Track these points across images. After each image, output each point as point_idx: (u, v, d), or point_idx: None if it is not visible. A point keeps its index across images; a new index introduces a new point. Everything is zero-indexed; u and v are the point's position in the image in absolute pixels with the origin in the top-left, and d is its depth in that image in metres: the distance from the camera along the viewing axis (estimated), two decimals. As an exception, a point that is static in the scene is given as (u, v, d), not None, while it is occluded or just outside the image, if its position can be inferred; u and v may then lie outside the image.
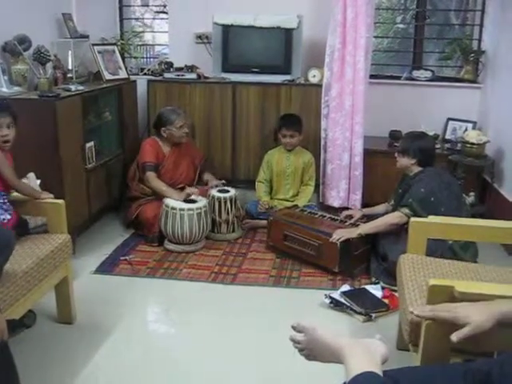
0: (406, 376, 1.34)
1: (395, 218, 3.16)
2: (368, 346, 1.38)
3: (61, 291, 2.71)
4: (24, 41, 3.54)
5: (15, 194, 2.74)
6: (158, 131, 4.02)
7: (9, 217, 2.48)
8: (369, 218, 3.54)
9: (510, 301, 1.52)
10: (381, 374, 1.25)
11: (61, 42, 4.08)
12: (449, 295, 1.69)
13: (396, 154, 3.34)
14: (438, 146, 4.20)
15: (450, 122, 4.58)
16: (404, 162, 3.28)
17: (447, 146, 4.40)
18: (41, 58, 3.63)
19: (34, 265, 2.35)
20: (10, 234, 2.22)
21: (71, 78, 4.07)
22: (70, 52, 4.08)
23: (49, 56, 3.70)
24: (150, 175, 3.90)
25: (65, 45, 4.08)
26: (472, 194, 4.06)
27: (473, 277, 2.31)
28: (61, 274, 2.63)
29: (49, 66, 3.79)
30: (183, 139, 4.02)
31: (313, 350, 1.45)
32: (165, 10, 5.22)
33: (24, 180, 3.03)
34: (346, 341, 1.38)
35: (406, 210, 3.09)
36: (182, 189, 3.95)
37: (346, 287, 3.11)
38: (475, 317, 1.47)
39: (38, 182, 3.11)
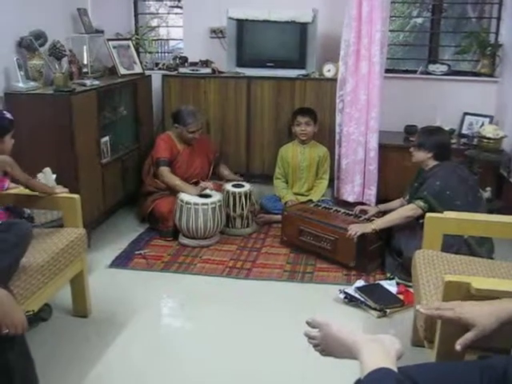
0: (421, 373, 1.33)
1: (409, 210, 3.13)
2: (383, 341, 1.37)
3: (76, 285, 2.73)
4: (40, 36, 3.56)
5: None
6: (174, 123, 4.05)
7: None
8: (384, 213, 3.52)
9: None
10: (396, 370, 1.24)
11: (76, 38, 4.10)
12: (465, 292, 1.67)
13: (412, 149, 3.31)
14: (454, 140, 4.16)
15: (467, 117, 4.54)
16: (420, 156, 3.25)
17: (463, 140, 4.36)
18: (56, 53, 3.64)
19: (50, 258, 2.36)
20: (27, 226, 2.24)
21: (86, 73, 4.09)
22: (85, 47, 4.09)
23: (64, 51, 3.72)
24: (164, 170, 3.92)
25: (80, 40, 4.09)
26: (488, 189, 4.02)
27: (489, 273, 2.29)
28: (76, 267, 2.65)
29: (64, 61, 3.81)
30: (191, 141, 4.02)
31: (327, 346, 1.45)
32: (179, 5, 5.22)
33: (40, 174, 3.06)
34: (361, 337, 1.37)
35: (421, 203, 3.07)
36: (196, 183, 3.96)
37: (360, 282, 3.10)
38: (481, 319, 1.44)
39: (54, 176, 3.14)
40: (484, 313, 1.46)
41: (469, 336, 1.43)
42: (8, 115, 2.58)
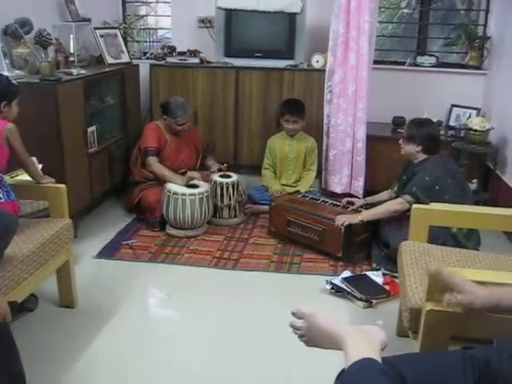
0: (405, 363, 1.34)
1: (397, 204, 3.14)
2: (367, 332, 1.39)
3: (62, 275, 2.72)
4: (25, 24, 3.51)
5: (18, 177, 2.75)
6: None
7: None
8: (371, 205, 3.53)
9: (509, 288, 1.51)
10: (380, 360, 1.25)
11: (62, 26, 4.05)
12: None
13: (401, 141, 3.31)
14: (441, 132, 4.17)
15: (454, 109, 4.56)
16: (409, 149, 3.24)
17: (451, 132, 4.38)
18: (42, 41, 3.61)
19: (36, 249, 2.35)
20: (11, 218, 2.22)
21: (73, 61, 4.05)
22: (71, 36, 4.05)
23: (50, 39, 3.68)
24: (152, 160, 3.90)
25: (66, 28, 4.05)
26: (475, 181, 4.05)
27: (474, 264, 2.31)
28: (62, 258, 2.64)
29: (50, 49, 3.78)
30: (180, 133, 4.00)
31: (312, 337, 1.45)
32: (168, -6, 5.17)
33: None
34: (346, 327, 1.38)
35: (409, 198, 3.07)
36: (184, 173, 3.94)
37: (347, 273, 3.12)
38: (474, 288, 1.46)
39: (40, 166, 3.11)
40: (480, 286, 1.48)
41: (459, 296, 1.45)
42: (14, 81, 2.63)
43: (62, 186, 2.67)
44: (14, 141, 2.50)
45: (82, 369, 2.31)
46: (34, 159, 3.10)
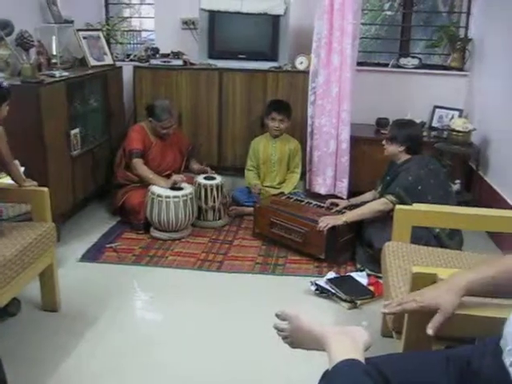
0: (389, 363, 1.35)
1: (380, 204, 3.16)
2: (351, 333, 1.39)
3: (45, 279, 2.69)
4: (6, 25, 3.48)
5: (0, 180, 2.72)
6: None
7: None
8: (355, 206, 3.55)
9: (475, 268, 1.52)
10: (363, 361, 1.26)
11: (44, 28, 4.02)
12: (432, 283, 1.69)
13: (384, 142, 3.34)
14: (424, 133, 4.21)
15: (437, 110, 4.60)
16: (392, 149, 3.27)
17: (433, 133, 4.42)
18: (24, 43, 3.58)
19: (18, 253, 2.32)
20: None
21: (55, 63, 4.01)
22: (53, 37, 4.02)
23: (32, 41, 3.65)
24: (137, 162, 3.88)
25: (48, 30, 4.02)
26: (458, 181, 4.08)
27: (456, 264, 2.33)
28: (45, 261, 2.61)
29: (32, 51, 3.74)
30: (165, 136, 3.99)
31: (296, 338, 1.46)
32: (151, -5, 5.15)
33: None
34: (329, 328, 1.39)
35: (392, 198, 3.09)
36: (169, 176, 3.93)
37: (331, 274, 3.12)
38: (441, 300, 1.45)
39: (22, 169, 3.08)
40: (442, 292, 1.48)
41: (436, 319, 1.44)
42: (5, 83, 2.58)
43: (45, 189, 2.65)
44: (0, 144, 2.47)
45: (66, 373, 2.29)
46: (16, 162, 3.08)
